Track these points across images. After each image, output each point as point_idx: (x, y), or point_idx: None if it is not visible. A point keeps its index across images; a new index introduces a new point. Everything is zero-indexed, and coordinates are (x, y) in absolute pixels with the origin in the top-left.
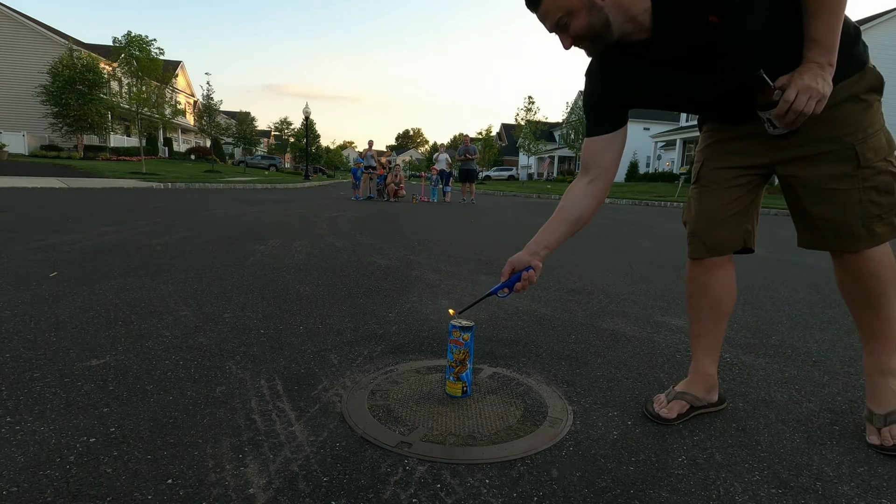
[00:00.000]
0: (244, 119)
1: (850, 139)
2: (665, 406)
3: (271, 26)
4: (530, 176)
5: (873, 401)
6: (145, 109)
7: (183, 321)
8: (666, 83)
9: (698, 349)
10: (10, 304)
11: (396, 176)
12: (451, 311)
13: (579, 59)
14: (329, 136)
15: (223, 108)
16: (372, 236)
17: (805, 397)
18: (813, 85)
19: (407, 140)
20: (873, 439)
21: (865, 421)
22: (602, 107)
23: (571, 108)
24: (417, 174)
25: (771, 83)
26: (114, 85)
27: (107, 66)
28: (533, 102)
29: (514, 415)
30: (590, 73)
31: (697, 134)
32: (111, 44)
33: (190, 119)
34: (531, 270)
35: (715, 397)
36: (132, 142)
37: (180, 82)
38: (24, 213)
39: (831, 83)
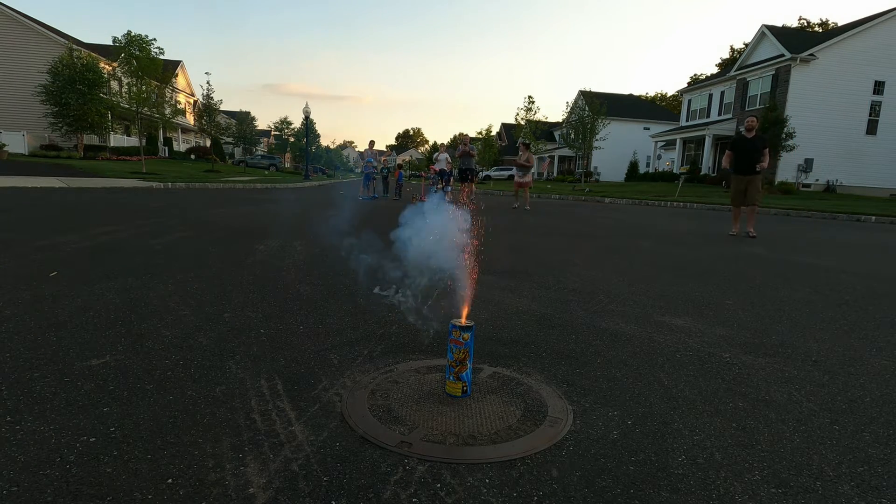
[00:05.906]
0: (244, 119)
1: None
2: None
3: (271, 25)
4: None
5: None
6: (145, 109)
7: (183, 321)
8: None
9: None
10: (10, 304)
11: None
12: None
13: (578, 60)
14: (329, 136)
15: (223, 107)
16: (372, 236)
17: (805, 397)
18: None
19: (407, 140)
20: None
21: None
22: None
23: (571, 108)
24: (417, 174)
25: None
26: (114, 84)
27: (107, 66)
28: (533, 102)
29: (514, 415)
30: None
31: (696, 133)
32: (111, 43)
33: (190, 119)
34: None
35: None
36: (132, 141)
37: (180, 82)
38: (24, 213)
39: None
